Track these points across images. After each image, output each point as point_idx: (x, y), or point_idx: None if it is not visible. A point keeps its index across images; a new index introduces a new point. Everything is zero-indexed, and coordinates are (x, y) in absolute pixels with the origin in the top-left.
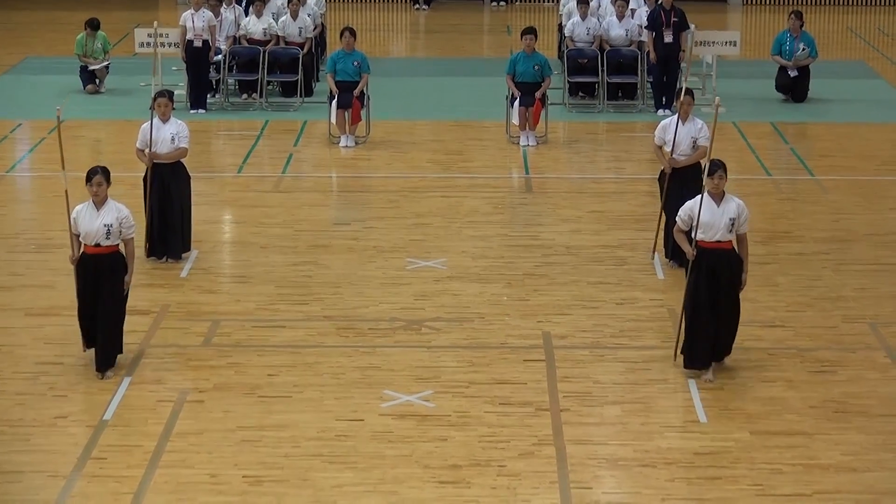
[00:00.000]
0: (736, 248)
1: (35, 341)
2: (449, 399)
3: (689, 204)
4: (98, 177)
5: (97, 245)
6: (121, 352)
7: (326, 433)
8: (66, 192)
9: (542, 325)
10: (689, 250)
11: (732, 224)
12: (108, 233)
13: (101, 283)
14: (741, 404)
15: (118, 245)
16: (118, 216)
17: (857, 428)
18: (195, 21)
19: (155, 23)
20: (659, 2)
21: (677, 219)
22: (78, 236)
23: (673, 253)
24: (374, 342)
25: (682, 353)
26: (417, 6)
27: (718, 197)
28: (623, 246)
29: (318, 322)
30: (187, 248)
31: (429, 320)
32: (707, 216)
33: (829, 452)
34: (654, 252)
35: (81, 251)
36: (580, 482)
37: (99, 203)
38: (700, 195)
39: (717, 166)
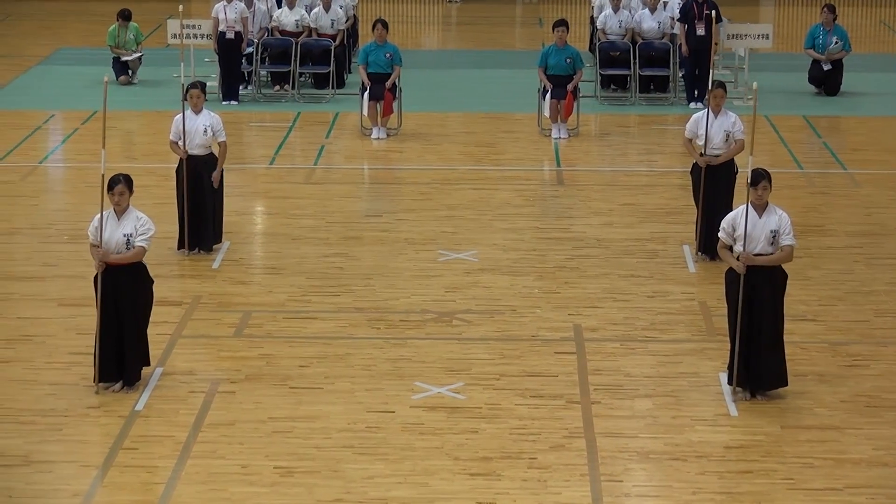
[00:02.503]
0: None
1: (68, 332)
2: (480, 391)
3: (730, 216)
4: (120, 186)
5: (118, 254)
6: (147, 364)
7: (357, 424)
8: (103, 176)
9: (573, 317)
10: (737, 265)
11: (774, 237)
12: (129, 243)
13: (122, 295)
14: (772, 398)
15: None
16: (136, 224)
17: (889, 422)
18: (227, 12)
19: (180, 7)
20: None
21: (720, 233)
22: (98, 246)
23: (705, 246)
24: (405, 334)
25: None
26: None
27: (761, 208)
28: (654, 239)
29: (350, 314)
30: (219, 240)
31: (460, 312)
32: (748, 228)
33: (860, 447)
34: (698, 250)
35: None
36: (611, 475)
37: (120, 212)
38: (745, 206)
39: (762, 176)
